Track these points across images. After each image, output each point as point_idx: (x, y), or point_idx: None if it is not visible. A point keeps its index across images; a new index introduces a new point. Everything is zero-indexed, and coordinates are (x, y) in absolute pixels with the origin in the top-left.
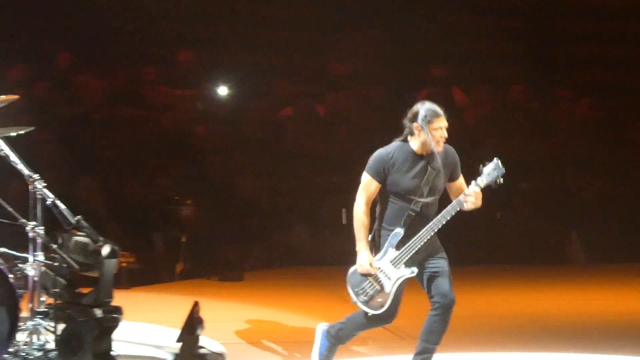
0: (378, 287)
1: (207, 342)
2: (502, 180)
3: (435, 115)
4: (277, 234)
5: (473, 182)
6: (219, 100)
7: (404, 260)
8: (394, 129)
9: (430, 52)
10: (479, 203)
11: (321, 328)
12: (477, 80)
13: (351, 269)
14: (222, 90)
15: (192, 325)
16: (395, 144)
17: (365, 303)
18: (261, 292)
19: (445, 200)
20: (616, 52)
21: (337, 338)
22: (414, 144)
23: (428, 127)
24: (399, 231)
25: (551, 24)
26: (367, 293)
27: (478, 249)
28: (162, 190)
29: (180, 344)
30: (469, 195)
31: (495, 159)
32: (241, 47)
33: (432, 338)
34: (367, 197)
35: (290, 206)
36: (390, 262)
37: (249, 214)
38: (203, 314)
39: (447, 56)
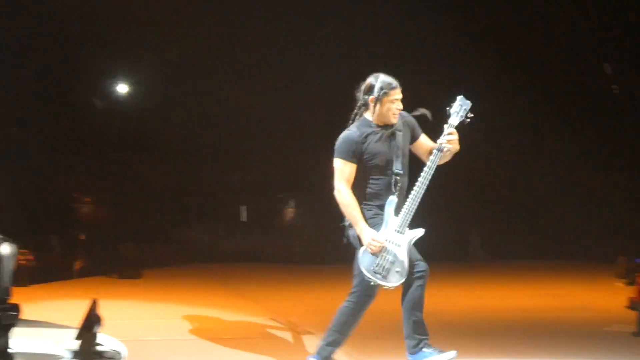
0: (392, 258)
1: (105, 339)
2: (471, 114)
3: (391, 87)
4: (176, 232)
5: (445, 125)
6: (120, 98)
7: (408, 224)
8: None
9: None
10: (457, 145)
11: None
12: None
13: (360, 252)
14: (122, 88)
15: (90, 323)
16: (355, 123)
17: (385, 278)
18: (160, 290)
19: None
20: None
21: (336, 343)
22: (371, 116)
23: (384, 99)
24: (394, 198)
25: None
26: (384, 267)
27: None
28: (61, 188)
29: (78, 342)
30: (446, 137)
31: (458, 96)
32: (142, 46)
33: (420, 306)
34: (346, 181)
35: (189, 204)
36: (396, 230)
37: (148, 212)
38: (101, 311)
39: None
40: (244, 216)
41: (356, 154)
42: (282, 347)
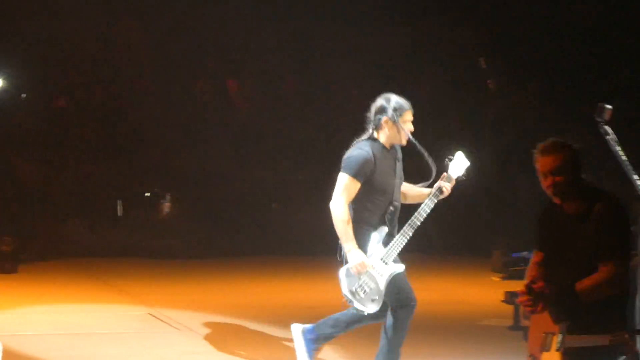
0: (373, 285)
1: None
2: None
3: (405, 109)
4: (52, 226)
5: (445, 174)
6: None
7: (393, 257)
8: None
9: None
10: (448, 194)
11: (300, 331)
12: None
13: (343, 270)
14: None
15: None
16: (367, 142)
17: (362, 301)
18: (36, 284)
19: None
20: None
21: (327, 338)
22: (382, 138)
23: (400, 120)
24: (384, 228)
25: None
26: (365, 291)
27: (256, 239)
28: None
29: None
30: (445, 185)
31: (458, 152)
32: (18, 39)
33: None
34: (348, 198)
35: (66, 198)
36: (381, 259)
37: (24, 206)
38: None
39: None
40: (120, 210)
41: (365, 175)
42: (158, 342)
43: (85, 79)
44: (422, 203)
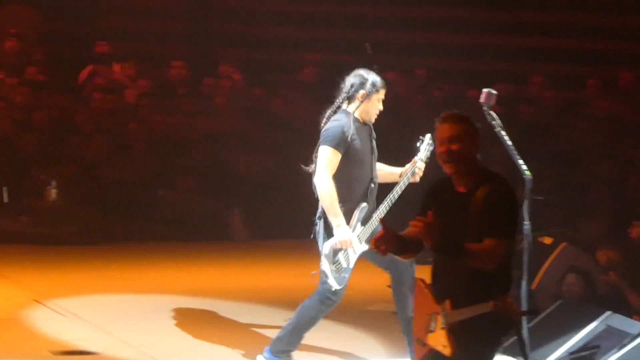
0: (346, 264)
1: None
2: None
3: (383, 86)
4: None
5: (417, 157)
6: None
7: (366, 236)
8: (59, 107)
9: (94, 29)
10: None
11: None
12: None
13: (327, 244)
14: None
15: None
16: (342, 114)
17: (337, 278)
18: None
19: None
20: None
21: (292, 345)
22: (355, 112)
23: (374, 96)
24: (365, 206)
25: None
26: (341, 267)
27: (142, 225)
28: None
29: None
30: (419, 171)
31: (428, 134)
32: None
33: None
34: (332, 171)
35: None
36: (357, 236)
37: None
38: None
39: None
40: (5, 197)
41: (345, 145)
42: (43, 328)
43: None
44: (393, 183)
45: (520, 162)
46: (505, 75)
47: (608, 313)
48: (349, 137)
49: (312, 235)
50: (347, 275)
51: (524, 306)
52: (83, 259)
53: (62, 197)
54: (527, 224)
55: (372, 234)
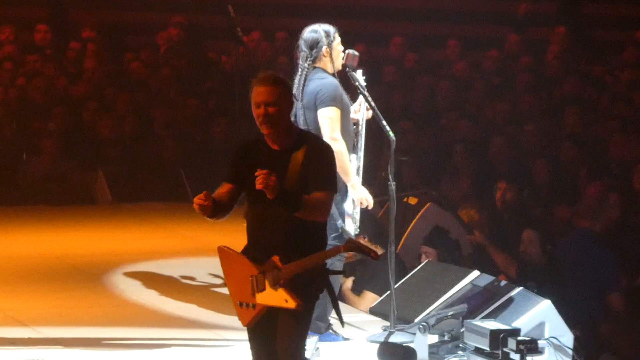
0: (358, 216)
1: None
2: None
3: (334, 31)
4: None
5: (362, 87)
6: None
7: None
8: None
9: None
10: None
11: (313, 338)
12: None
13: (349, 205)
14: None
15: None
16: (318, 72)
17: (354, 230)
18: None
19: None
20: None
21: (328, 322)
22: (327, 67)
23: (334, 45)
24: (354, 157)
25: None
26: (356, 220)
27: (7, 189)
28: None
29: None
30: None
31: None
32: None
33: None
34: (338, 128)
35: None
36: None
37: None
38: None
39: None
40: None
41: (340, 100)
42: None
43: None
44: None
45: (384, 123)
46: (366, 36)
47: (475, 272)
48: (340, 92)
49: None
50: (356, 226)
51: (391, 267)
52: None
53: None
54: (392, 185)
55: None
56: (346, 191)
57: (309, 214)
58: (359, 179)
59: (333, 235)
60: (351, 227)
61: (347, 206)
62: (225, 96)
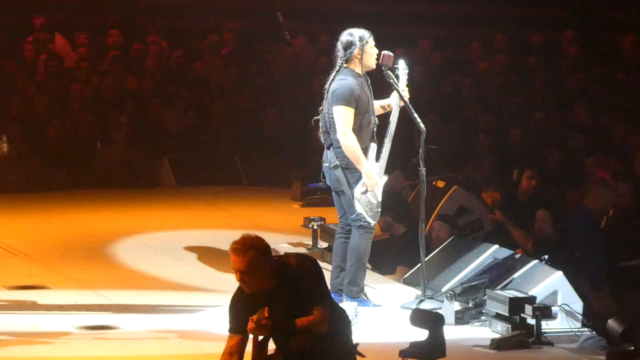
0: (375, 201)
1: None
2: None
3: (369, 36)
4: None
5: (398, 87)
6: None
7: (382, 170)
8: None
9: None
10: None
11: (353, 304)
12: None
13: (357, 191)
14: None
15: None
16: (345, 72)
17: (372, 216)
18: None
19: None
20: None
21: (361, 287)
22: (356, 68)
23: (366, 48)
24: (374, 146)
25: None
26: (373, 206)
27: (82, 175)
28: None
29: None
30: (404, 94)
31: (401, 60)
32: None
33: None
34: (351, 125)
35: None
36: (377, 174)
37: None
38: None
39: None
40: None
41: (355, 100)
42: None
43: None
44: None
45: (415, 115)
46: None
47: (495, 247)
48: (357, 93)
49: (321, 176)
50: (379, 209)
51: (422, 243)
52: (29, 205)
53: (11, 151)
54: (422, 170)
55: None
56: (360, 177)
57: (310, 332)
58: (381, 165)
59: (352, 216)
60: (360, 209)
61: (356, 191)
62: (274, 92)
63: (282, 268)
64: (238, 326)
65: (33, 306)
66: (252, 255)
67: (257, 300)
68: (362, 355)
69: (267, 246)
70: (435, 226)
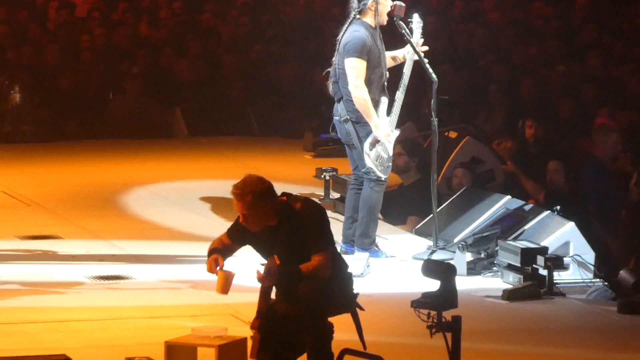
0: (386, 155)
1: None
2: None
3: None
4: None
5: (412, 39)
6: None
7: (394, 124)
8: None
9: None
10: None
11: (365, 255)
12: None
13: (367, 144)
14: None
15: None
16: (357, 24)
17: (382, 171)
18: None
19: None
20: None
21: (372, 238)
22: (369, 20)
23: (381, 1)
24: (385, 100)
25: None
26: (383, 160)
27: (94, 125)
28: None
29: None
30: (421, 47)
31: (415, 14)
32: None
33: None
34: (362, 77)
35: None
36: (389, 127)
37: None
38: None
39: None
40: None
41: (367, 52)
42: (10, 216)
43: None
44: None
45: (427, 66)
46: None
47: (507, 197)
48: (369, 45)
49: (330, 129)
50: (390, 164)
51: (434, 193)
52: (41, 155)
53: (24, 101)
54: (434, 120)
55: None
56: (371, 131)
57: (315, 277)
58: (394, 118)
59: (363, 170)
60: (372, 164)
61: (366, 145)
62: (286, 42)
63: (287, 209)
64: (235, 235)
65: (45, 256)
66: (251, 199)
67: (262, 234)
68: (361, 308)
69: (268, 187)
70: (458, 173)
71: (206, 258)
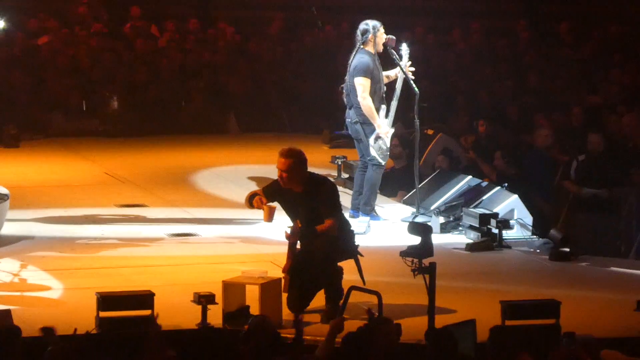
0: (385, 147)
1: None
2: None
3: (380, 25)
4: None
5: (401, 64)
6: None
7: (390, 124)
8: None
9: None
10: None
11: (366, 218)
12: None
13: (372, 139)
14: None
15: None
16: (362, 51)
17: (383, 158)
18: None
19: None
20: None
21: (372, 206)
22: (370, 48)
23: (378, 34)
24: (383, 107)
25: None
26: (383, 150)
27: (171, 124)
28: None
29: None
30: (409, 68)
31: (404, 43)
32: None
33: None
34: (368, 92)
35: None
36: (387, 126)
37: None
38: None
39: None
40: (84, 107)
41: (370, 72)
42: (111, 190)
43: None
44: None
45: (412, 82)
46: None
47: (469, 177)
48: (372, 67)
49: (344, 127)
50: (388, 153)
51: (416, 174)
52: (132, 146)
53: (120, 107)
54: (417, 121)
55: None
56: (374, 130)
57: (325, 236)
58: (390, 120)
59: (368, 158)
60: (375, 153)
61: (371, 140)
62: (310, 65)
63: (311, 181)
64: (269, 191)
65: (135, 219)
66: (292, 161)
67: (290, 196)
68: (361, 255)
69: (305, 159)
70: (440, 159)
71: (249, 207)
